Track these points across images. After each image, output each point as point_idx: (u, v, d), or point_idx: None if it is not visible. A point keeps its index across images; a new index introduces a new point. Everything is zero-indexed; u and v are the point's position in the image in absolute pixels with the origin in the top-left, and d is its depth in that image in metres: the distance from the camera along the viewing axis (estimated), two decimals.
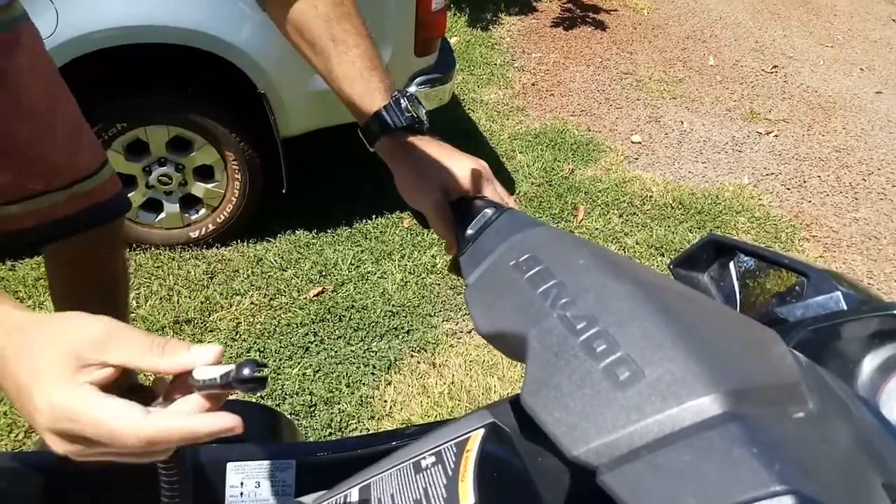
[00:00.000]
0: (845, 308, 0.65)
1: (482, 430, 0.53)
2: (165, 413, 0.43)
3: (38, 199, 1.09)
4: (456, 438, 0.55)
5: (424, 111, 0.72)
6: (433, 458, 0.56)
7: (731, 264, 0.80)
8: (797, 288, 0.70)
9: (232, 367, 0.42)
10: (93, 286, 1.34)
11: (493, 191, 0.69)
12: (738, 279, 0.79)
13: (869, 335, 0.62)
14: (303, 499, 0.66)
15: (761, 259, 0.75)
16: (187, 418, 0.42)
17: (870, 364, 0.61)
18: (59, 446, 0.42)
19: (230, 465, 0.94)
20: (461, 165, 0.68)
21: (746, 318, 0.47)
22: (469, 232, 0.61)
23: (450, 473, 0.50)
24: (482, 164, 0.70)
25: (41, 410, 0.41)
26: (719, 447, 0.32)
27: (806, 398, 0.39)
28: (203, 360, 0.44)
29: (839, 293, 0.66)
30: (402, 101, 0.69)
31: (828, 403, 0.42)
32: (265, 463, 0.95)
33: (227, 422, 0.42)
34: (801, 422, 0.36)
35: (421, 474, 0.53)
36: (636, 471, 0.32)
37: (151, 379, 0.47)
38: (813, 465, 0.33)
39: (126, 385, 0.45)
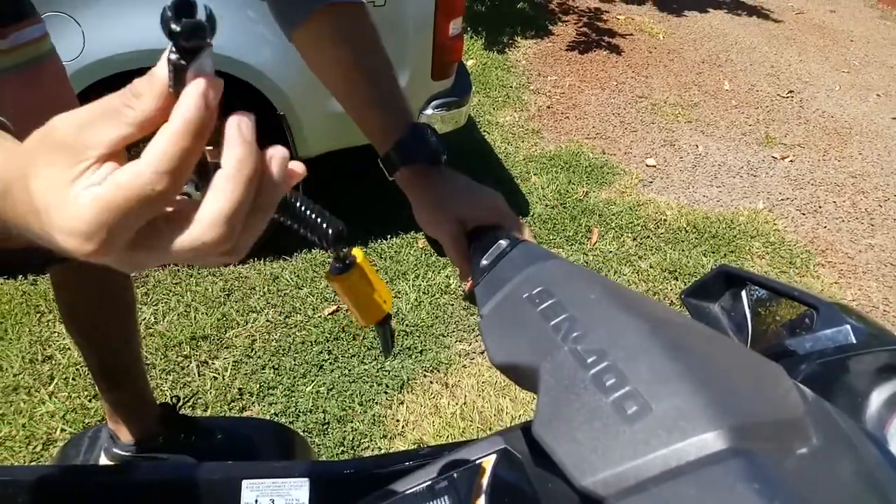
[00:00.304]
0: (854, 341, 0.66)
1: (494, 456, 0.55)
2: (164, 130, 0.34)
3: None
4: (469, 464, 0.57)
5: (442, 141, 0.74)
6: (446, 483, 0.57)
7: (744, 295, 0.81)
8: (807, 320, 0.71)
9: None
10: (101, 305, 1.34)
11: (509, 221, 0.70)
12: (749, 309, 0.81)
13: (877, 369, 0.63)
14: None
15: (771, 290, 0.76)
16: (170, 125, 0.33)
17: (878, 398, 0.62)
18: (109, 254, 0.34)
19: (245, 483, 0.95)
20: (478, 197, 0.70)
21: (753, 353, 0.48)
22: (484, 262, 0.62)
23: (462, 498, 0.51)
24: (498, 195, 0.72)
25: (75, 215, 0.32)
26: (722, 482, 0.33)
27: (810, 433, 0.40)
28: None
29: (848, 326, 0.67)
30: (420, 133, 0.72)
31: (832, 438, 0.43)
32: (279, 481, 0.97)
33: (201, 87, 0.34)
34: (803, 457, 0.38)
35: (435, 499, 0.55)
36: (642, 502, 0.34)
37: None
38: (814, 500, 0.34)
39: None
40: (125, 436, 1.22)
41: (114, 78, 2.11)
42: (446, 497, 0.54)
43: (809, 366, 0.64)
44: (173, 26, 0.33)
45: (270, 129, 2.35)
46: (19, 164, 0.35)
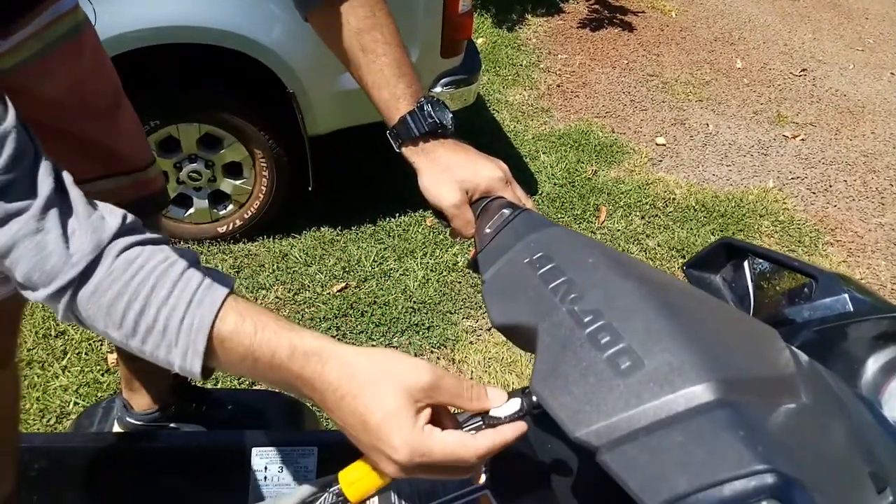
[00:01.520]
0: (852, 310, 0.67)
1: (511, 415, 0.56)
2: (482, 434, 0.51)
3: (106, 180, 1.13)
4: (472, 424, 0.58)
5: (450, 115, 0.75)
6: None
7: (746, 266, 0.82)
8: (806, 290, 0.72)
9: (514, 407, 0.50)
10: None
11: (512, 192, 0.72)
12: (752, 281, 0.81)
13: (873, 337, 0.64)
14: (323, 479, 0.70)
15: (772, 261, 0.77)
16: (496, 433, 0.50)
17: (873, 365, 0.63)
18: (406, 473, 0.51)
19: (255, 451, 0.98)
20: (482, 168, 0.71)
21: (747, 316, 0.50)
22: (487, 231, 0.64)
23: None
24: (502, 167, 0.73)
25: (400, 450, 0.49)
26: (709, 430, 0.34)
27: (799, 391, 0.41)
28: (497, 403, 0.52)
29: (846, 295, 0.68)
30: (426, 106, 0.73)
31: (822, 398, 0.44)
32: (288, 449, 0.99)
33: (518, 427, 0.50)
34: (791, 412, 0.39)
35: None
36: (632, 451, 0.35)
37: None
38: (796, 450, 0.35)
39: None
40: (138, 405, 1.24)
41: (125, 55, 2.12)
42: None
43: (807, 333, 0.65)
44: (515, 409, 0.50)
45: (280, 107, 2.35)
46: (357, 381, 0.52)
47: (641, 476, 0.34)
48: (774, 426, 0.36)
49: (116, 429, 1.24)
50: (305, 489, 0.69)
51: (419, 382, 0.50)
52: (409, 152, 0.74)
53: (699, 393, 0.36)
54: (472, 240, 0.71)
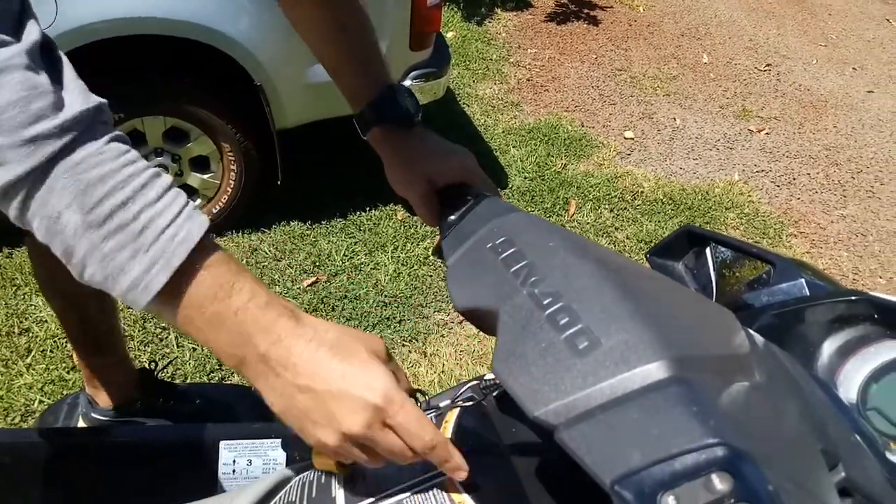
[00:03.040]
0: (808, 294, 0.69)
1: (461, 403, 0.57)
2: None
3: None
4: (436, 412, 0.59)
5: (417, 103, 0.75)
6: None
7: (708, 253, 0.84)
8: (765, 276, 0.74)
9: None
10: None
11: (478, 180, 0.72)
12: (714, 268, 0.83)
13: (829, 320, 0.66)
14: (290, 467, 0.70)
15: (732, 248, 0.79)
16: (451, 446, 0.49)
17: (829, 347, 0.65)
18: (361, 430, 0.48)
19: (223, 444, 0.97)
20: (447, 156, 0.71)
21: (705, 299, 0.51)
22: (452, 217, 0.64)
23: None
24: (468, 155, 0.74)
25: (377, 391, 0.47)
26: (662, 406, 0.35)
27: (753, 371, 0.42)
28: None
29: (803, 280, 0.69)
30: (394, 93, 0.73)
31: (776, 378, 0.45)
32: (256, 442, 0.99)
33: (460, 463, 0.49)
34: (745, 389, 0.40)
35: None
36: (589, 428, 0.36)
37: None
38: (749, 425, 0.36)
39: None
40: (103, 401, 1.23)
41: (90, 47, 2.09)
42: None
43: (765, 317, 0.66)
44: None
45: (247, 100, 2.33)
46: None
47: (597, 453, 0.35)
48: (728, 402, 0.37)
49: (81, 424, 1.22)
50: (276, 475, 0.69)
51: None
52: (375, 141, 0.74)
53: (654, 370, 0.37)
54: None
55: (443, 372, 2.15)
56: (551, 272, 0.46)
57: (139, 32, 2.12)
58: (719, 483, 0.32)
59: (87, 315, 1.19)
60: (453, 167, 0.71)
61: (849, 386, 0.63)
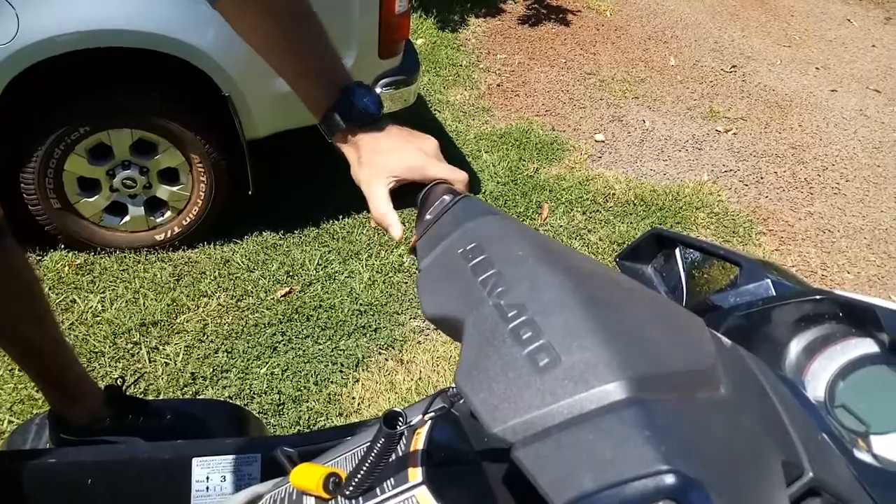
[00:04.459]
0: (774, 294, 0.70)
1: (432, 415, 0.56)
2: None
3: None
4: (409, 423, 0.58)
5: (378, 98, 0.74)
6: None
7: (678, 255, 0.84)
8: (733, 277, 0.75)
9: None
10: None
11: (442, 170, 0.71)
12: (683, 270, 0.84)
13: (795, 320, 0.67)
14: (263, 483, 0.69)
15: (699, 250, 0.80)
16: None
17: (796, 347, 0.66)
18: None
19: (196, 461, 0.96)
20: (409, 151, 0.71)
21: (674, 306, 0.51)
22: (428, 217, 0.64)
23: (400, 455, 0.53)
24: (430, 145, 0.73)
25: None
26: (617, 429, 0.35)
27: (718, 383, 0.42)
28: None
29: (769, 281, 0.70)
30: (353, 95, 0.72)
31: (742, 385, 0.46)
32: (230, 457, 0.97)
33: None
34: (705, 405, 0.40)
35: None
36: (545, 448, 0.36)
37: None
38: (704, 448, 0.36)
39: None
40: (71, 420, 1.20)
41: (53, 61, 2.05)
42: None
43: (732, 319, 0.67)
44: None
45: (216, 111, 2.31)
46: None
47: (551, 473, 0.35)
48: (685, 423, 0.37)
49: (51, 446, 1.19)
50: (249, 492, 0.68)
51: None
52: (339, 143, 0.74)
53: (611, 391, 0.37)
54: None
55: (420, 379, 2.15)
56: (518, 283, 0.45)
57: (104, 45, 2.09)
58: None
59: (22, 334, 1.14)
60: (413, 161, 0.70)
61: (816, 384, 0.64)
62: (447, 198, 0.64)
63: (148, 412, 1.25)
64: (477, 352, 0.43)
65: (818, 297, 0.66)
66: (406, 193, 0.71)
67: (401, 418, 0.48)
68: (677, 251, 0.82)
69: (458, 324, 0.47)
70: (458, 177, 0.70)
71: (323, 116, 0.73)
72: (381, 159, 0.70)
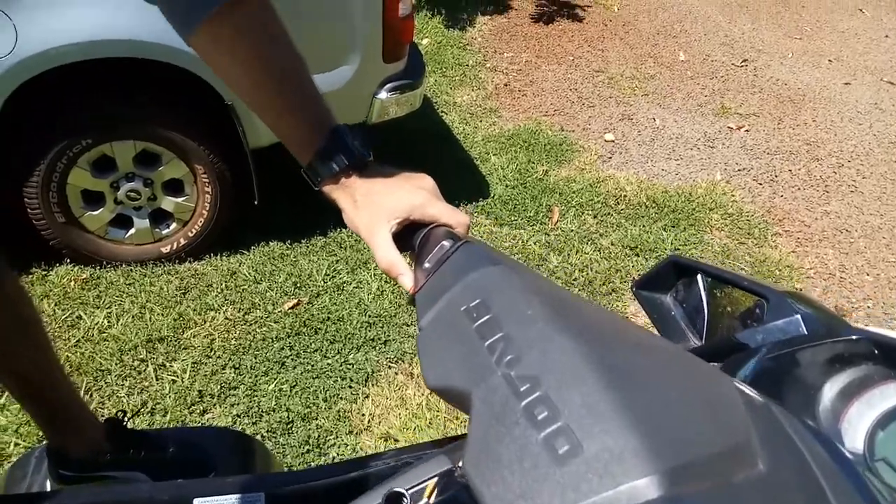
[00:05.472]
0: (805, 332, 0.65)
1: (436, 479, 0.52)
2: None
3: None
4: (414, 487, 0.54)
5: (367, 140, 0.69)
6: None
7: (700, 285, 0.79)
8: (757, 311, 0.70)
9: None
10: None
11: (443, 210, 0.66)
12: (705, 300, 0.79)
13: (828, 360, 0.62)
14: None
15: (720, 280, 0.75)
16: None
17: (830, 391, 0.61)
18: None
19: (197, 501, 0.92)
20: (404, 193, 0.65)
21: (698, 365, 0.46)
22: (426, 265, 0.59)
23: None
24: (426, 185, 0.67)
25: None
26: None
27: (755, 458, 0.38)
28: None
29: (799, 316, 0.65)
30: (341, 136, 0.67)
31: (779, 455, 0.41)
32: (233, 497, 0.94)
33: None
34: (744, 489, 0.36)
35: None
36: None
37: None
38: None
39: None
40: (71, 455, 1.17)
41: (52, 73, 2.02)
42: None
43: (760, 361, 0.62)
44: None
45: (219, 120, 2.27)
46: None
47: None
48: None
49: (49, 482, 1.16)
50: None
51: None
52: (329, 190, 0.69)
53: (642, 489, 0.32)
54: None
55: (431, 393, 2.10)
56: (529, 349, 0.41)
57: (104, 56, 2.06)
58: None
59: (19, 369, 1.11)
60: (409, 203, 0.65)
61: (854, 434, 0.59)
62: (447, 244, 0.59)
63: (150, 445, 1.21)
64: (487, 433, 0.38)
65: (854, 336, 0.61)
66: (400, 237, 0.65)
67: (404, 499, 0.43)
68: (698, 280, 0.77)
69: (464, 396, 0.42)
70: (460, 219, 0.65)
71: (312, 159, 0.67)
72: (379, 200, 0.65)
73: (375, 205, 0.65)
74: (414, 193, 0.65)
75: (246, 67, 0.67)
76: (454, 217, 0.64)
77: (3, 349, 1.09)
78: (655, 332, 0.78)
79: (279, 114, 0.68)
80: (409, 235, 0.67)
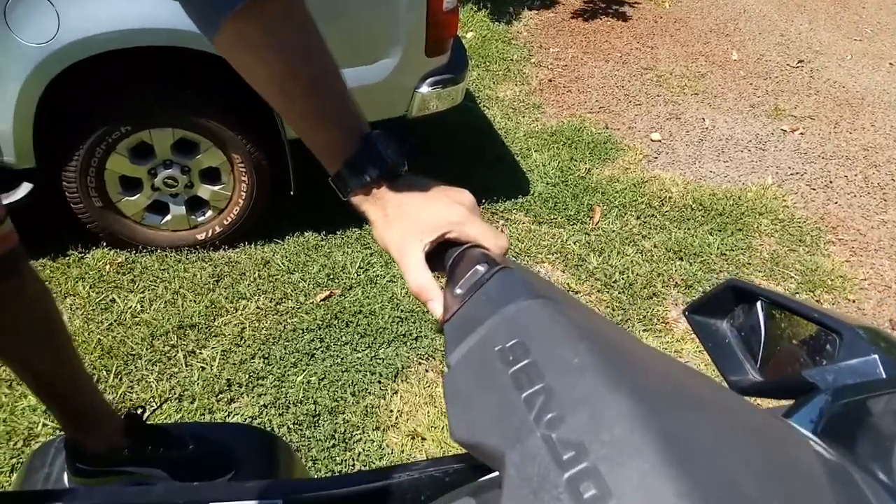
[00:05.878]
0: (884, 375, 0.58)
1: None
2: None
3: None
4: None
5: (401, 148, 0.63)
6: None
7: (759, 310, 0.72)
8: (828, 347, 0.63)
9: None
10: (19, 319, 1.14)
11: (481, 231, 0.60)
12: (764, 328, 0.72)
13: None
14: None
15: (784, 308, 0.68)
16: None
17: None
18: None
19: None
20: (443, 202, 0.60)
21: (765, 420, 0.40)
22: (458, 291, 0.53)
23: None
24: (465, 201, 0.61)
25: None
26: None
27: None
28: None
29: (876, 357, 0.58)
30: (374, 144, 0.61)
31: None
32: (250, 503, 0.90)
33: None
34: None
35: None
36: None
37: None
38: None
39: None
40: (88, 449, 1.15)
41: (93, 60, 2.02)
42: None
43: (832, 406, 0.55)
44: None
45: (257, 110, 2.24)
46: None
47: None
48: None
49: (66, 475, 1.14)
50: None
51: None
52: (359, 200, 0.63)
53: None
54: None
55: None
56: (574, 407, 0.35)
57: (144, 44, 2.05)
58: None
59: (37, 364, 1.09)
60: (444, 219, 0.59)
61: None
62: (481, 268, 0.52)
63: (169, 441, 1.19)
64: None
65: None
66: (431, 254, 0.60)
67: None
68: (759, 307, 0.70)
69: (496, 457, 0.36)
70: (499, 242, 0.58)
71: (341, 166, 0.62)
72: (413, 213, 0.59)
73: (408, 219, 0.59)
74: (450, 209, 0.59)
75: (273, 70, 0.61)
76: (493, 239, 0.58)
77: (22, 348, 1.07)
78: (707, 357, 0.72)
79: (307, 119, 0.62)
80: (441, 253, 0.60)
